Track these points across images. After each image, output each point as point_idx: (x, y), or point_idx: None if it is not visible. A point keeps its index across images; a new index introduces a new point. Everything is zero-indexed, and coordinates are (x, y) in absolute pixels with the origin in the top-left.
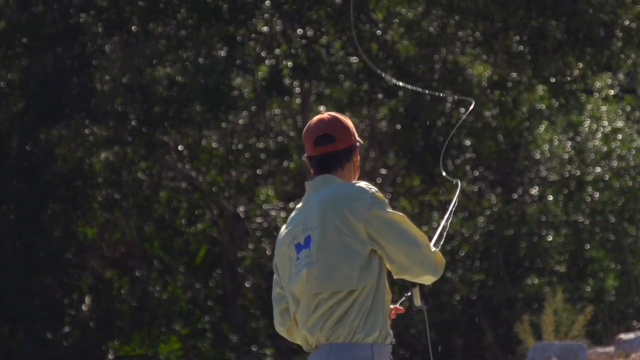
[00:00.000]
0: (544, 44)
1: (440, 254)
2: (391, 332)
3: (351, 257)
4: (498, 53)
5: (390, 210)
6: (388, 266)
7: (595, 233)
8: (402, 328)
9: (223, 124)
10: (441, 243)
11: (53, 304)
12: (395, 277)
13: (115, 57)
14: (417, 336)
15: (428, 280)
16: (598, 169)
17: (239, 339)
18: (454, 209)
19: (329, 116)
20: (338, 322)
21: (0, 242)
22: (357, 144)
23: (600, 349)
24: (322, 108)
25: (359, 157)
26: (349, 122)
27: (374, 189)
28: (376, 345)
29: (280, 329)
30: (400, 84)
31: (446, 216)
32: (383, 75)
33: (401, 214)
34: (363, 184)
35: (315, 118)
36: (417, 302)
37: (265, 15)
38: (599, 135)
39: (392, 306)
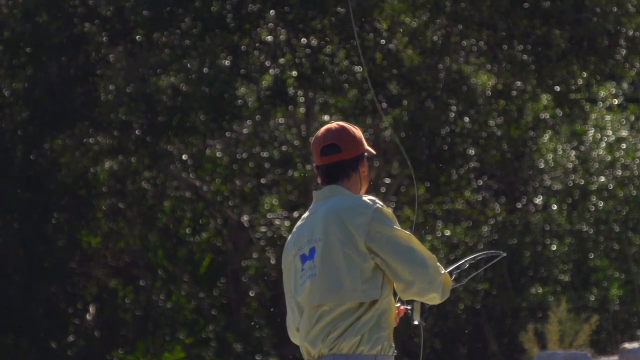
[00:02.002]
0: (548, 53)
1: (448, 276)
2: (393, 344)
3: (353, 271)
4: (502, 62)
5: (397, 227)
6: (395, 284)
7: (600, 242)
8: (406, 337)
9: (227, 133)
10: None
11: (57, 313)
12: (402, 297)
13: (120, 67)
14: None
15: (434, 299)
16: (602, 178)
17: (243, 348)
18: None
19: (336, 126)
20: (341, 336)
21: (4, 251)
22: (365, 154)
23: (604, 358)
24: (326, 117)
25: (367, 167)
26: (357, 132)
27: (379, 203)
28: (380, 357)
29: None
30: None
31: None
32: None
33: (408, 232)
34: (369, 198)
35: (324, 127)
36: (417, 317)
37: (270, 24)
38: (603, 144)
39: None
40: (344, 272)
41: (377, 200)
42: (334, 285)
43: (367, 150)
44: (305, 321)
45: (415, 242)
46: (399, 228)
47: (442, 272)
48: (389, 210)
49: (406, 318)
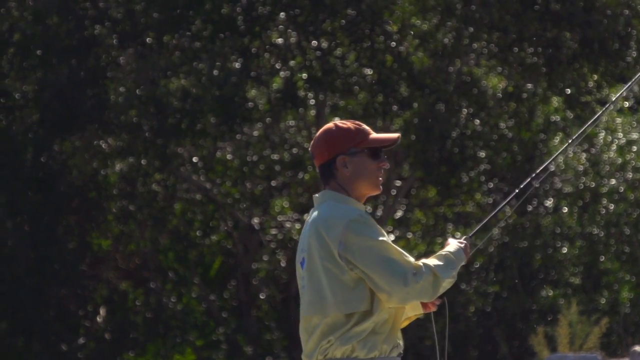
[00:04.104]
0: (559, 55)
1: (438, 275)
2: (399, 343)
3: (332, 283)
4: (513, 65)
5: (374, 237)
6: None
7: (610, 245)
8: (416, 340)
9: (238, 136)
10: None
11: (68, 316)
12: (387, 306)
13: (130, 69)
14: (432, 347)
15: (421, 300)
16: (613, 181)
17: (254, 351)
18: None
19: (322, 129)
20: (332, 345)
21: (15, 253)
22: (341, 156)
23: None
24: (337, 120)
25: (352, 167)
26: (334, 134)
27: (356, 213)
28: (380, 359)
29: None
30: None
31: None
32: None
33: (388, 241)
34: (346, 208)
35: None
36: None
37: (280, 27)
38: (614, 147)
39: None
40: (325, 284)
41: (358, 210)
42: (318, 298)
43: (349, 151)
44: (301, 332)
45: (393, 251)
46: (377, 238)
47: (427, 275)
48: (366, 221)
49: (417, 320)
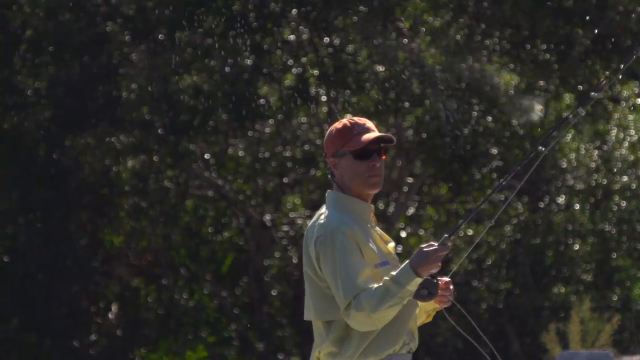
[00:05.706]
0: (571, 52)
1: (368, 310)
2: (411, 339)
3: (313, 290)
4: (525, 61)
5: (335, 259)
6: None
7: (622, 242)
8: (428, 337)
9: (249, 133)
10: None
11: (80, 312)
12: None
13: (142, 66)
14: (444, 344)
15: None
16: (625, 178)
17: (265, 347)
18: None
19: None
20: (331, 355)
21: (26, 250)
22: (331, 159)
23: (627, 358)
24: (349, 116)
25: (338, 170)
26: (330, 135)
27: (331, 226)
28: (387, 357)
29: None
30: None
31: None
32: None
33: (340, 263)
34: (330, 216)
35: None
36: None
37: (292, 23)
38: (626, 144)
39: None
40: (308, 290)
41: (337, 219)
42: (307, 303)
43: (336, 154)
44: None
45: (342, 276)
46: (335, 259)
47: (358, 310)
48: (335, 236)
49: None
